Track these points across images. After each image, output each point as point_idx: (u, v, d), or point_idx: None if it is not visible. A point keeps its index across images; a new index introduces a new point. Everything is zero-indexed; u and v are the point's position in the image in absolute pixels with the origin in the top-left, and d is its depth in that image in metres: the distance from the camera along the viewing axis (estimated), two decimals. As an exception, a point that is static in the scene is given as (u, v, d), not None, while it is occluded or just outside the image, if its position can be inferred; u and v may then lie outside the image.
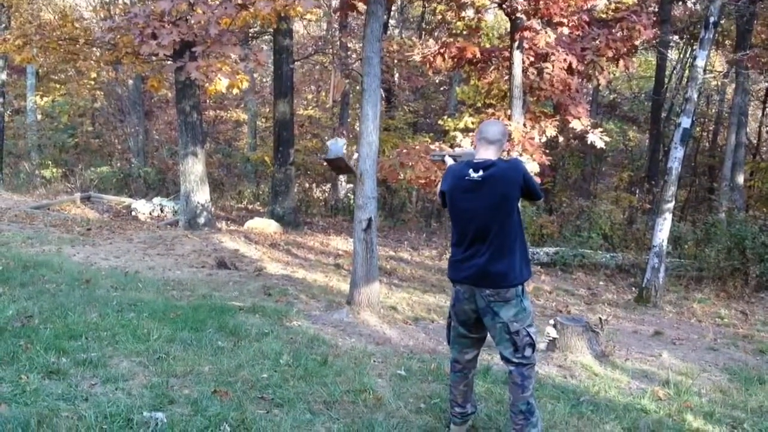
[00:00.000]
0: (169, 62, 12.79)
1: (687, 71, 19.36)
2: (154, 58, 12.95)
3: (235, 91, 11.77)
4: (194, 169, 13.77)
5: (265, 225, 15.35)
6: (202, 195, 13.88)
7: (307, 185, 22.97)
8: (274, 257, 11.80)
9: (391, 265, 12.39)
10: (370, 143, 7.62)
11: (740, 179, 17.14)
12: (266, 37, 20.61)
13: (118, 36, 12.40)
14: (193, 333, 5.77)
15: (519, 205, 3.99)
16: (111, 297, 7.09)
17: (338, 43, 22.19)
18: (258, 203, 21.36)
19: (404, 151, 11.24)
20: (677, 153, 10.99)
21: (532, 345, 3.95)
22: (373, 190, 7.68)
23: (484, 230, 3.90)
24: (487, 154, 3.98)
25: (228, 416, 3.94)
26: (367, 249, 7.67)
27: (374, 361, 5.69)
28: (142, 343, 5.29)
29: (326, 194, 22.52)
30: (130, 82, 22.49)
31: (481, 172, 3.89)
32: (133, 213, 16.15)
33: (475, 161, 3.98)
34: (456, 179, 4.01)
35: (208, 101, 24.03)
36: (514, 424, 3.98)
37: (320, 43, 23.59)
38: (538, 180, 10.74)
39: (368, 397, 4.66)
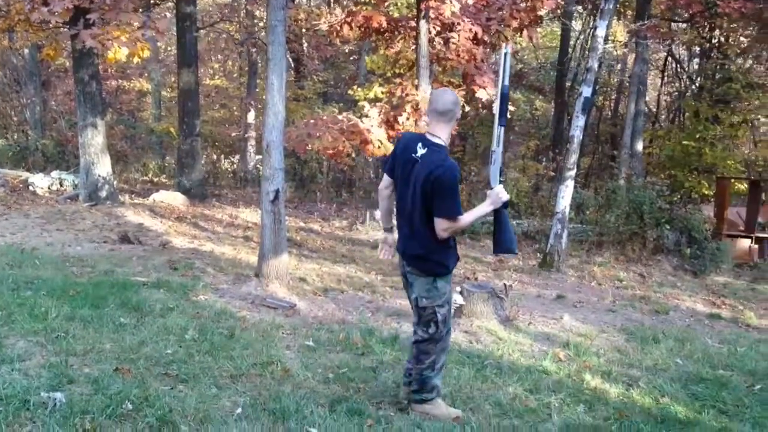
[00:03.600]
0: (64, 30, 12.22)
1: (589, 41, 19.87)
2: (49, 25, 12.37)
3: (137, 60, 11.36)
4: (94, 141, 13.25)
5: (171, 198, 14.98)
6: (103, 168, 13.39)
7: (215, 157, 22.52)
8: (180, 231, 11.55)
9: (301, 237, 12.33)
10: (276, 113, 7.53)
11: (639, 146, 17.75)
12: (169, 4, 19.93)
13: (11, 2, 11.78)
14: (94, 310, 5.60)
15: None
16: (6, 275, 6.78)
17: (244, 11, 21.76)
18: (164, 176, 20.81)
19: (311, 121, 11.14)
20: (579, 122, 11.30)
21: (435, 323, 3.95)
22: (280, 161, 7.60)
23: (407, 209, 3.90)
24: (438, 127, 3.87)
25: (130, 394, 3.84)
26: (275, 221, 7.61)
27: (282, 333, 5.69)
28: (40, 322, 5.10)
29: (235, 166, 22.15)
30: (26, 51, 21.41)
31: (425, 150, 3.79)
32: (31, 188, 15.45)
33: (427, 136, 3.87)
34: (404, 151, 3.90)
35: (109, 70, 23.11)
36: (405, 394, 4.12)
37: (226, 11, 23.03)
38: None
39: (276, 369, 4.65)
